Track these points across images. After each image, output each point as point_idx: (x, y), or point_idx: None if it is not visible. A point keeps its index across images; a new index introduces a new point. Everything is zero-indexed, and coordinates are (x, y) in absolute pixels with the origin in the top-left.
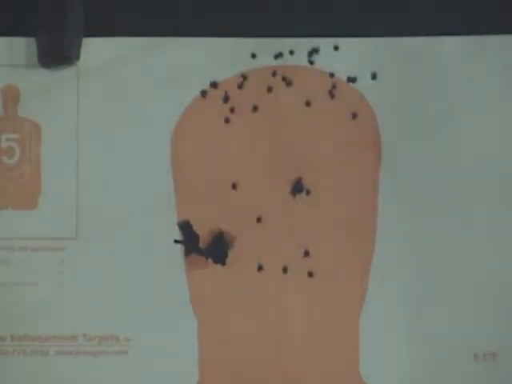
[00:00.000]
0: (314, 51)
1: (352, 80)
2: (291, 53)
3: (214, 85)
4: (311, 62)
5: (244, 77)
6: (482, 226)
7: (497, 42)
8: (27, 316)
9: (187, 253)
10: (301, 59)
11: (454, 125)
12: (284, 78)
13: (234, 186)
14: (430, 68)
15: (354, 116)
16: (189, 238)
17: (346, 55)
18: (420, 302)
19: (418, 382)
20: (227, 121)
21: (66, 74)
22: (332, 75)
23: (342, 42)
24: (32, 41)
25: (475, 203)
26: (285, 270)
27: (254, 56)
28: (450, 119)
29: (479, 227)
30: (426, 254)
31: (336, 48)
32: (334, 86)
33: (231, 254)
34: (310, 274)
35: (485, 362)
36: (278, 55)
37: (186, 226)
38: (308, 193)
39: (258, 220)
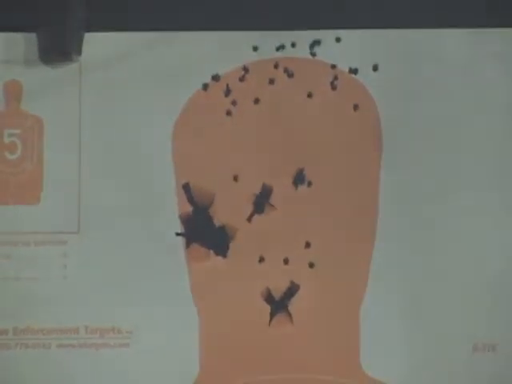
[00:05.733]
0: (315, 43)
1: (354, 71)
2: (293, 45)
3: (215, 78)
4: (313, 54)
5: (246, 69)
6: (482, 219)
7: (497, 34)
8: (30, 310)
9: (188, 244)
10: (303, 51)
11: (454, 117)
12: (286, 70)
13: (235, 178)
14: (432, 60)
15: (356, 107)
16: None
17: (348, 47)
18: (420, 294)
19: (418, 373)
20: (229, 113)
21: (68, 69)
22: (334, 67)
23: (343, 33)
24: (35, 36)
25: (474, 196)
26: (286, 261)
27: (255, 49)
28: (451, 111)
29: (479, 221)
30: (427, 246)
31: (338, 40)
32: (335, 78)
33: (232, 245)
34: (311, 265)
35: (484, 354)
36: (280, 47)
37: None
38: (309, 184)
39: (260, 212)
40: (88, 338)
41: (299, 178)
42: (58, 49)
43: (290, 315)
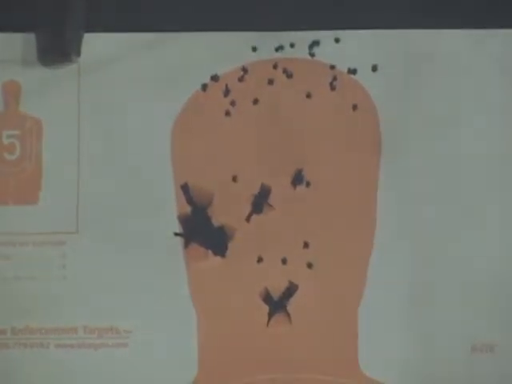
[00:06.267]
0: (314, 44)
1: (353, 72)
2: (292, 45)
3: (214, 78)
4: (312, 55)
5: (245, 70)
6: (482, 219)
7: (497, 36)
8: (28, 310)
9: (187, 244)
10: (302, 52)
11: (454, 117)
12: (285, 71)
13: (234, 179)
14: (431, 60)
15: (355, 108)
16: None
17: (347, 47)
18: (420, 294)
19: (416, 374)
20: (228, 114)
21: (66, 70)
22: (333, 67)
23: (342, 34)
24: (33, 37)
25: (474, 196)
26: (284, 261)
27: (254, 49)
28: (449, 111)
29: (479, 220)
30: (426, 246)
31: (337, 40)
32: (334, 78)
33: (231, 245)
34: (310, 266)
35: (483, 354)
36: (279, 48)
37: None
38: (308, 184)
39: (258, 212)
40: (86, 338)
41: (298, 178)
42: (57, 49)
43: (288, 315)
